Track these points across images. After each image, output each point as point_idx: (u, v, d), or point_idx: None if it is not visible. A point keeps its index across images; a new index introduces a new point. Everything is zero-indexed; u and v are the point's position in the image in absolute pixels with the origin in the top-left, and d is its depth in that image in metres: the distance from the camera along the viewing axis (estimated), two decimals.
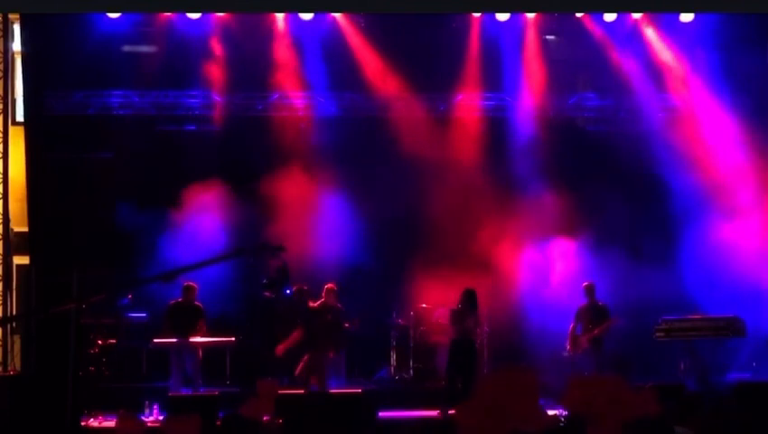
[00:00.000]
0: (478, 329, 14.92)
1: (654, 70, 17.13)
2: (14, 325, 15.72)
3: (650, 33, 17.13)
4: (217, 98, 17.22)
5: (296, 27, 16.82)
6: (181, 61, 16.68)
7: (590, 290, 14.66)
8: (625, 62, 17.04)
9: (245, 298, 16.06)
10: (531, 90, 17.27)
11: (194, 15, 16.36)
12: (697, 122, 17.03)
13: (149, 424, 12.74)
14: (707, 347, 14.95)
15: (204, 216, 16.04)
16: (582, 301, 14.69)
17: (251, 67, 16.85)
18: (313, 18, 16.65)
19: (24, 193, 16.08)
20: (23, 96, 16.34)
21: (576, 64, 17.88)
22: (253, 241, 15.19)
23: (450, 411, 13.65)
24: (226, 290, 15.41)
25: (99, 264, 14.77)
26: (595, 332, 14.41)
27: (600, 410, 2.64)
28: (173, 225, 15.92)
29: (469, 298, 14.25)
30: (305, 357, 14.23)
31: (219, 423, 11.33)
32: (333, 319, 14.53)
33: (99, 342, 14.31)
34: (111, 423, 13.04)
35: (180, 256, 15.10)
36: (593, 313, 14.55)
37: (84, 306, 11.74)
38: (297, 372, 14.24)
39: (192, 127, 17.48)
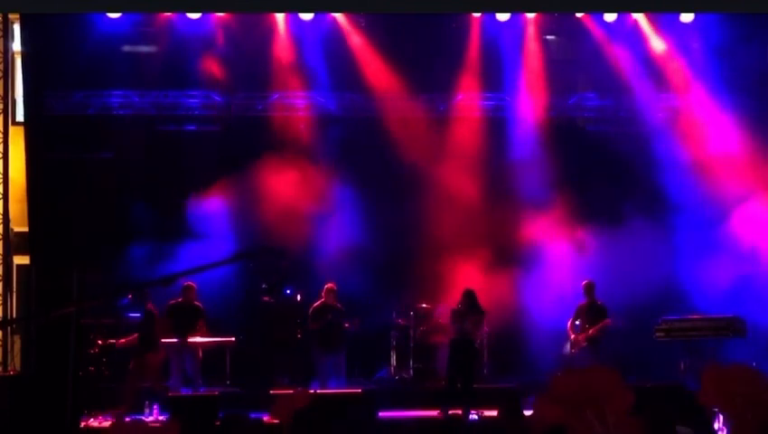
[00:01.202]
0: (478, 330, 14.91)
1: (654, 71, 17.13)
2: (14, 325, 15.72)
3: (650, 34, 17.13)
4: (217, 98, 17.22)
5: (296, 27, 16.82)
6: (181, 61, 16.68)
7: (589, 289, 14.65)
8: (625, 62, 17.04)
9: (245, 301, 16.05)
10: (531, 90, 17.27)
11: (194, 15, 16.36)
12: (696, 122, 17.02)
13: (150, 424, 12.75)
14: (707, 347, 14.94)
15: (204, 216, 16.04)
16: (581, 300, 14.68)
17: (251, 67, 16.85)
18: (313, 18, 16.65)
19: (24, 193, 16.07)
20: (23, 96, 16.34)
21: (576, 64, 17.89)
22: (253, 243, 15.20)
23: (450, 412, 13.67)
24: (226, 292, 15.37)
25: (99, 264, 14.79)
26: (590, 332, 14.41)
27: (739, 407, 2.65)
28: (173, 225, 15.91)
29: (469, 299, 14.25)
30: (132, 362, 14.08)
31: (218, 423, 11.38)
32: (334, 319, 14.54)
33: (99, 342, 14.31)
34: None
35: (180, 257, 15.11)
36: (591, 312, 14.55)
37: (84, 309, 11.75)
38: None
39: (192, 127, 17.48)
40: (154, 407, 13.28)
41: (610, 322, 14.51)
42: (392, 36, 16.80)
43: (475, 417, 13.22)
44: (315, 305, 14.73)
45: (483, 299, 15.57)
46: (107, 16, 16.21)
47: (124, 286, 14.38)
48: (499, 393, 13.94)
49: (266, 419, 11.98)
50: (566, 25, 17.26)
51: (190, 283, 14.25)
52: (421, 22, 16.44)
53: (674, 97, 17.38)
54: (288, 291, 16.00)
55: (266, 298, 15.91)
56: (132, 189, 16.53)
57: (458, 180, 16.52)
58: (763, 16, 16.03)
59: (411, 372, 16.10)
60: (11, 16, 16.23)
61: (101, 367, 14.39)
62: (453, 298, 14.58)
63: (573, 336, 14.54)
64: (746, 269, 15.90)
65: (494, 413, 12.21)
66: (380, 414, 13.32)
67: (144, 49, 17.18)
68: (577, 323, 14.62)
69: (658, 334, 15.02)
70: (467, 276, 15.70)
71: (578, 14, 16.82)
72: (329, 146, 16.74)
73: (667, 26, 17.08)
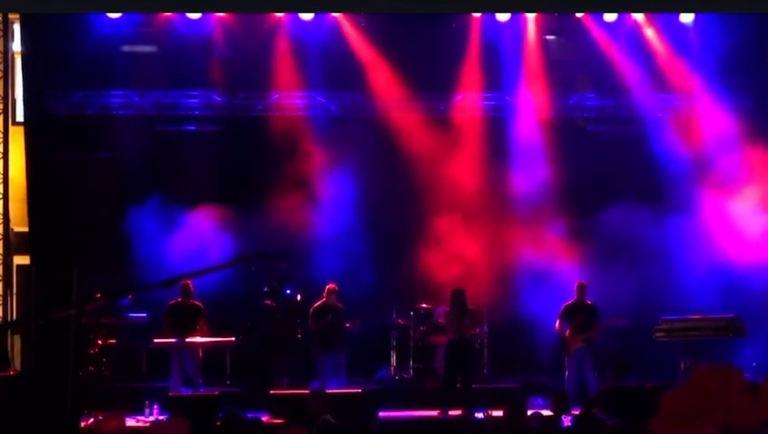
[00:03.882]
0: (477, 329, 14.89)
1: (654, 70, 17.12)
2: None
3: (650, 33, 17.13)
4: (217, 98, 17.22)
5: (296, 27, 16.81)
6: (181, 61, 16.67)
7: (582, 289, 14.63)
8: (625, 62, 17.04)
9: (246, 302, 16.05)
10: (531, 90, 17.26)
11: (194, 15, 16.36)
12: (696, 122, 17.02)
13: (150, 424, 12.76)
14: (707, 347, 14.93)
15: (204, 216, 16.04)
16: (570, 298, 14.63)
17: (251, 67, 16.85)
18: (314, 18, 16.64)
19: (24, 193, 16.08)
20: (23, 96, 16.35)
21: (576, 64, 17.89)
22: (253, 244, 15.18)
23: (450, 412, 13.68)
24: (226, 292, 15.34)
25: (99, 265, 14.76)
26: (593, 333, 14.39)
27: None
28: (173, 226, 15.91)
29: (458, 298, 14.25)
30: None
31: (219, 423, 11.38)
32: (334, 319, 14.53)
33: (99, 342, 14.31)
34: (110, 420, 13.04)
35: (180, 257, 15.11)
36: (583, 311, 14.51)
37: (84, 311, 11.71)
38: None
39: (192, 127, 17.47)
40: (154, 407, 13.28)
41: (613, 322, 14.49)
42: (392, 36, 16.80)
43: (481, 415, 13.19)
44: (316, 304, 14.73)
45: (483, 299, 15.60)
46: (107, 16, 16.21)
47: (124, 287, 14.38)
48: (501, 393, 13.95)
49: (264, 419, 12.02)
50: (566, 25, 17.26)
51: (186, 282, 14.23)
52: (421, 22, 16.43)
53: (674, 97, 17.38)
54: (288, 291, 16.00)
55: (267, 301, 15.91)
56: (132, 189, 16.51)
57: (458, 180, 16.51)
58: (763, 16, 16.03)
59: (411, 372, 16.10)
60: (11, 16, 16.23)
61: (101, 367, 14.40)
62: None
63: (565, 337, 14.49)
64: (747, 268, 15.90)
65: (496, 413, 12.25)
66: (380, 414, 13.32)
67: (144, 49, 17.18)
68: (566, 322, 14.56)
69: (658, 334, 15.00)
70: (467, 275, 15.71)
71: (578, 14, 16.83)
72: (329, 146, 16.74)
73: (667, 26, 17.07)
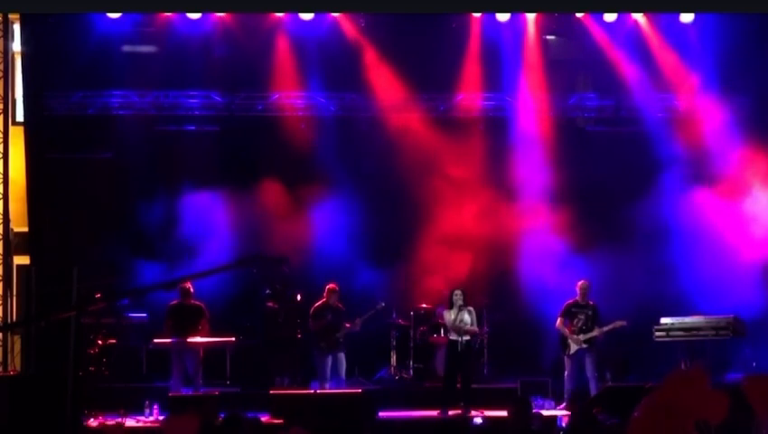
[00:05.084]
0: (477, 328, 14.89)
1: (654, 70, 17.12)
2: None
3: (650, 33, 17.13)
4: (217, 98, 17.22)
5: (296, 27, 16.81)
6: (181, 61, 16.66)
7: (585, 289, 14.60)
8: (625, 62, 17.04)
9: (247, 303, 16.04)
10: (531, 90, 17.27)
11: (194, 15, 16.36)
12: (696, 122, 17.02)
13: (150, 424, 12.78)
14: (707, 347, 14.93)
15: (204, 216, 16.04)
16: (571, 298, 14.61)
17: (251, 67, 16.85)
18: (314, 18, 16.64)
19: (24, 193, 16.08)
20: (23, 96, 16.35)
21: (576, 64, 17.89)
22: (253, 245, 15.19)
23: (450, 412, 13.68)
24: (227, 292, 15.34)
25: (99, 265, 14.77)
26: (600, 331, 14.37)
27: None
28: (173, 226, 15.92)
29: (458, 298, 14.24)
30: None
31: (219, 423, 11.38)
32: (334, 319, 14.53)
33: (99, 342, 14.31)
34: (111, 423, 13.05)
35: (179, 257, 15.11)
36: (585, 312, 14.49)
37: (84, 311, 11.72)
38: None
39: (192, 127, 17.47)
40: (154, 407, 13.29)
41: (618, 325, 14.46)
42: (392, 36, 16.80)
43: (479, 420, 13.17)
44: (316, 304, 14.72)
45: (483, 299, 15.59)
46: (107, 16, 16.21)
47: (125, 291, 14.39)
48: (501, 393, 13.94)
49: (264, 419, 12.02)
50: (566, 25, 17.26)
51: (186, 283, 14.22)
52: (421, 22, 16.43)
53: (674, 97, 17.38)
54: (289, 292, 16.00)
55: (270, 303, 15.91)
56: (132, 189, 16.51)
57: (458, 180, 16.52)
58: (763, 16, 16.03)
59: (411, 372, 16.11)
60: (11, 16, 16.23)
61: (101, 367, 14.40)
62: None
63: (573, 336, 14.47)
64: (746, 268, 15.90)
65: (496, 413, 12.25)
66: (380, 414, 13.32)
67: (144, 49, 17.18)
68: (567, 320, 14.54)
69: (657, 334, 14.99)
70: (467, 275, 15.72)
71: (578, 14, 16.83)
72: (328, 146, 16.74)
73: (667, 26, 17.08)
